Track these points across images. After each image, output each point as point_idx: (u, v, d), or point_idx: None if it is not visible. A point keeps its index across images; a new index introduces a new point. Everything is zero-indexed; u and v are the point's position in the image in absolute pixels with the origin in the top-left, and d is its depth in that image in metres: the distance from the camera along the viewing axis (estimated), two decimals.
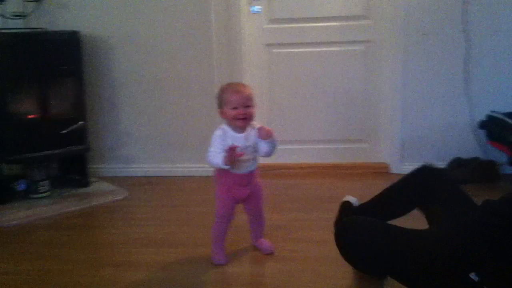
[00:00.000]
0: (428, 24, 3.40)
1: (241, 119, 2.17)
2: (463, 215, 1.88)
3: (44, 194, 3.24)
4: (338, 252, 2.35)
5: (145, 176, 3.68)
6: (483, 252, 1.54)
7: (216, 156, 2.16)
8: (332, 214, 2.85)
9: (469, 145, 3.49)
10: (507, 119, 3.19)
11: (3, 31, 3.17)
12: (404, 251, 1.78)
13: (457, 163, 3.39)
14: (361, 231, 1.95)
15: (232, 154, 2.12)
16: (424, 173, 2.16)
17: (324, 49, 3.61)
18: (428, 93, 3.48)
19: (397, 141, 3.56)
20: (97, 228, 2.90)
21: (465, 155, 3.43)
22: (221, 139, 2.17)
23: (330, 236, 2.55)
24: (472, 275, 1.51)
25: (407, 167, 3.51)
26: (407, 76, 3.47)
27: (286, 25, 3.62)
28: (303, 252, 2.41)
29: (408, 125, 3.54)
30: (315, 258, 2.34)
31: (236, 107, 2.16)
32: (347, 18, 3.56)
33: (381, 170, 3.63)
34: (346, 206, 2.62)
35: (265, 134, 2.17)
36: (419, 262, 1.71)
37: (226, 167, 2.16)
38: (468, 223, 1.75)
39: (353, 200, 2.64)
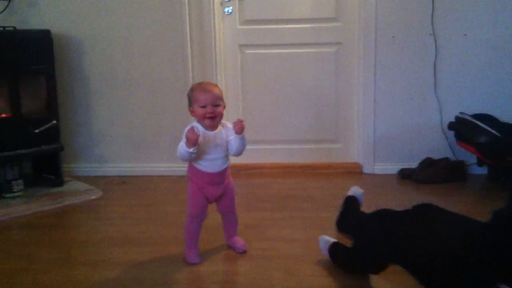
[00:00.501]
0: (397, 26, 3.46)
1: (210, 117, 2.19)
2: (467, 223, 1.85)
3: (17, 193, 3.22)
4: (308, 249, 2.41)
5: (119, 176, 3.68)
6: (483, 252, 1.54)
7: (181, 147, 2.17)
8: (304, 213, 2.91)
9: (439, 145, 3.56)
10: (474, 121, 3.27)
11: None
12: (405, 255, 1.79)
13: (428, 163, 3.46)
14: (363, 234, 2.00)
15: (192, 134, 2.11)
16: (425, 208, 2.09)
17: (296, 50, 3.66)
18: (399, 94, 3.55)
19: (369, 142, 3.62)
20: (71, 228, 2.90)
21: (435, 155, 3.51)
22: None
23: (302, 235, 2.61)
24: (502, 286, 1.51)
25: (379, 167, 3.61)
26: (377, 78, 3.53)
27: (259, 26, 3.65)
28: (275, 250, 2.44)
29: (380, 126, 3.60)
30: (287, 256, 2.37)
31: (205, 106, 2.18)
32: (318, 20, 3.61)
33: (353, 170, 3.68)
34: (349, 202, 2.60)
35: (240, 128, 2.19)
36: (419, 262, 1.72)
37: (190, 150, 2.14)
38: (470, 225, 1.75)
39: (358, 192, 2.63)
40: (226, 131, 2.27)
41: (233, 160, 2.37)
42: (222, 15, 3.63)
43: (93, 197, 3.24)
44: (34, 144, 3.25)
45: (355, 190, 2.65)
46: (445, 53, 3.46)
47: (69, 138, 3.66)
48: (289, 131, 3.76)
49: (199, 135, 2.14)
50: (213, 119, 2.20)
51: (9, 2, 3.44)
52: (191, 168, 2.30)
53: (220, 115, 2.23)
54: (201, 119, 2.21)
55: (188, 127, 2.23)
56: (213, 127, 2.23)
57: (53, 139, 3.35)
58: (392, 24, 3.46)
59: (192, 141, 2.12)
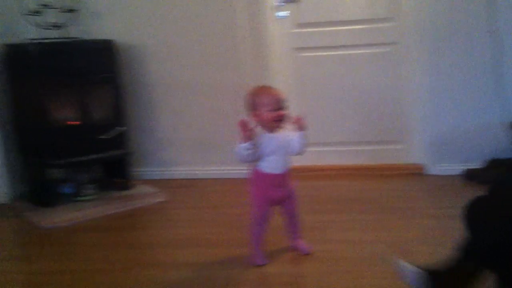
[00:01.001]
0: (455, 24, 3.40)
1: (278, 120, 2.25)
2: None
3: (89, 197, 3.36)
4: (373, 252, 2.42)
5: (183, 179, 3.78)
6: None
7: (239, 145, 2.23)
8: (366, 215, 2.91)
9: (505, 145, 3.47)
10: None
11: (41, 41, 3.31)
12: None
13: (493, 163, 3.39)
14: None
15: (245, 128, 2.17)
16: None
17: (351, 51, 3.66)
18: (460, 93, 3.48)
19: (431, 142, 3.57)
20: (139, 230, 3.01)
21: (501, 155, 3.42)
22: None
23: (365, 237, 2.62)
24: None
25: (442, 168, 3.56)
26: (435, 76, 3.48)
27: (313, 29, 3.67)
28: (339, 252, 2.46)
29: (442, 126, 3.54)
30: (351, 259, 2.39)
31: (273, 109, 2.24)
32: (372, 20, 3.60)
33: (415, 171, 3.63)
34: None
35: (300, 124, 2.25)
36: None
37: (245, 145, 2.19)
38: None
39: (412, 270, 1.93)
40: (286, 132, 2.32)
41: (294, 162, 2.40)
42: (277, 19, 3.67)
43: (159, 200, 3.36)
44: (105, 150, 3.40)
45: (410, 271, 1.91)
46: (507, 49, 3.36)
47: (136, 143, 3.79)
48: (347, 132, 3.76)
49: (253, 129, 2.19)
50: (280, 122, 2.26)
51: (72, 14, 3.59)
52: (254, 171, 2.35)
53: (286, 118, 2.28)
54: (268, 122, 2.25)
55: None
56: (276, 129, 2.29)
57: (122, 145, 3.49)
58: (449, 22, 3.41)
59: (247, 135, 2.17)
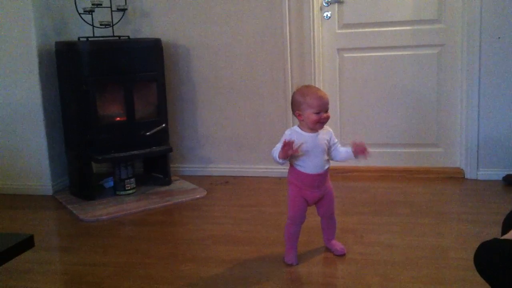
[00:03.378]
0: (503, 27, 3.34)
1: (322, 123, 2.29)
2: None
3: (130, 191, 3.45)
4: (407, 256, 2.42)
5: (222, 176, 3.84)
6: None
7: (276, 151, 2.28)
8: (403, 219, 2.89)
9: None
10: None
11: (93, 39, 3.42)
12: None
13: None
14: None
15: (286, 148, 2.21)
16: None
17: (396, 53, 3.63)
18: (505, 97, 3.41)
19: (472, 146, 3.52)
20: (177, 225, 3.08)
21: None
22: (290, 138, 2.26)
23: (400, 241, 2.61)
24: None
25: (483, 173, 3.50)
26: (482, 80, 3.42)
27: (358, 30, 3.66)
28: (374, 255, 2.46)
29: (484, 130, 3.48)
30: (385, 262, 2.39)
31: (319, 112, 2.26)
32: (419, 22, 3.56)
33: (455, 175, 3.58)
34: None
35: (360, 151, 2.30)
36: None
37: (280, 161, 2.26)
38: None
39: None
40: (326, 133, 2.34)
41: (331, 163, 2.41)
42: (321, 20, 3.68)
43: (198, 196, 3.42)
44: (146, 146, 3.47)
45: None
46: None
47: (177, 140, 3.87)
48: (387, 134, 3.74)
49: (293, 150, 2.22)
50: (324, 124, 2.30)
51: (124, 13, 3.69)
52: (292, 171, 2.38)
53: (328, 120, 2.32)
54: (313, 124, 2.28)
55: (288, 130, 2.33)
56: (316, 130, 2.32)
57: (163, 141, 3.56)
58: (497, 24, 3.34)
59: (286, 154, 2.22)
